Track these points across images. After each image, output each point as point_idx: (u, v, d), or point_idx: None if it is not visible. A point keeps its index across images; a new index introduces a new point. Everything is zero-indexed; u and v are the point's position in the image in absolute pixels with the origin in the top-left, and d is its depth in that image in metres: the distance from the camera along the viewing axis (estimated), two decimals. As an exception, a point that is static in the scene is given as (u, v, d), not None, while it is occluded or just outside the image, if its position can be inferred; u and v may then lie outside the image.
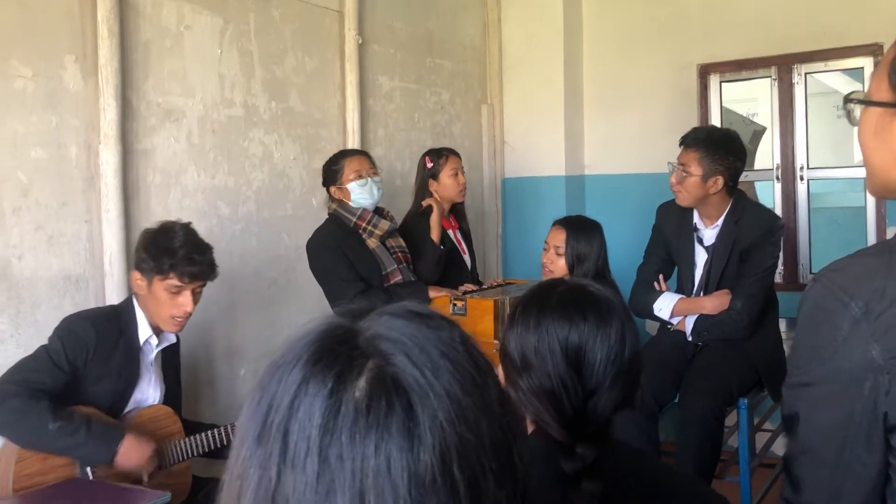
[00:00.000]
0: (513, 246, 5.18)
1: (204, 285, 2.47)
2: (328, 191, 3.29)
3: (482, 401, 0.70)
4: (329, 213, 3.29)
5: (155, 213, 3.06)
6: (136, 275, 2.40)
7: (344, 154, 3.28)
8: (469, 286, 3.45)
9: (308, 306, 3.78)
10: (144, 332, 2.44)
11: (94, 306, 2.85)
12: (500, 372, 1.38)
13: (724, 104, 4.89)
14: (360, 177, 3.18)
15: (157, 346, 2.49)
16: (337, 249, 3.12)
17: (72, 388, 2.27)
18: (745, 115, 6.17)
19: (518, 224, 5.16)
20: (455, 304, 3.23)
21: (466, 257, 3.66)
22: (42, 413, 2.11)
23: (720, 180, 2.74)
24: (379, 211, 3.27)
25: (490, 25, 5.08)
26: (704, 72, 4.78)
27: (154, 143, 3.07)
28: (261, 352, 3.59)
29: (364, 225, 3.17)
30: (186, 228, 2.45)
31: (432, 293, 3.25)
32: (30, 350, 2.64)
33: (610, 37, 5.03)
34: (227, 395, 3.44)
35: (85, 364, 2.29)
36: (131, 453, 2.24)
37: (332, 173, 3.24)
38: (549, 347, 1.26)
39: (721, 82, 4.83)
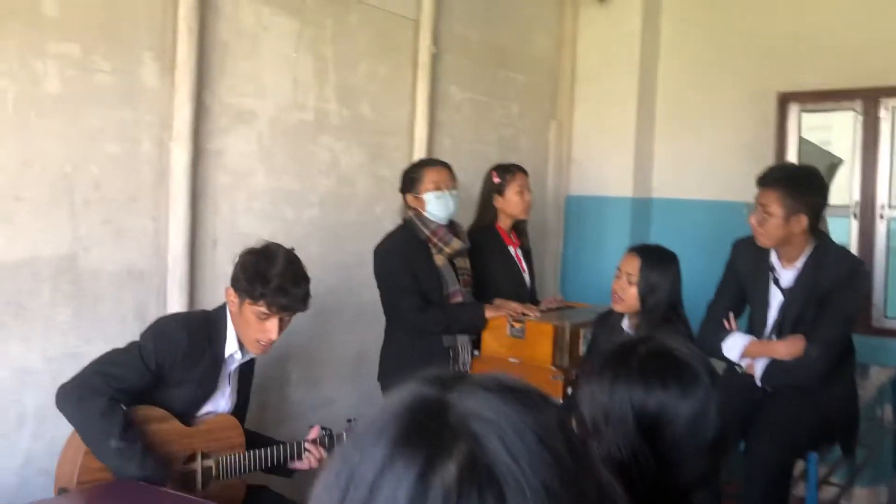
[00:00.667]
0: (572, 265, 5.08)
1: (293, 314, 2.44)
2: (404, 198, 3.22)
3: (580, 495, 0.64)
4: (403, 221, 3.23)
5: (221, 212, 3.06)
6: (231, 291, 2.37)
7: (425, 163, 3.23)
8: (528, 306, 3.37)
9: (365, 313, 3.74)
10: (231, 345, 2.42)
11: (156, 302, 2.87)
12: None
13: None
14: (438, 188, 3.11)
15: (240, 360, 2.48)
16: (404, 260, 3.07)
17: (153, 388, 2.27)
18: (817, 143, 5.96)
19: (579, 243, 5.06)
20: (513, 326, 3.15)
21: (526, 276, 3.59)
22: (113, 427, 2.11)
23: (803, 219, 2.62)
24: (453, 227, 3.20)
25: (565, 40, 5.00)
26: (784, 100, 4.63)
27: (225, 144, 3.07)
28: (312, 357, 3.57)
29: (436, 241, 3.11)
30: (288, 256, 2.38)
31: (489, 313, 3.18)
32: (90, 343, 2.68)
33: (688, 57, 4.90)
34: (278, 399, 3.42)
35: (172, 367, 2.28)
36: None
37: (410, 181, 3.18)
38: (622, 413, 1.17)
39: (801, 112, 4.67)
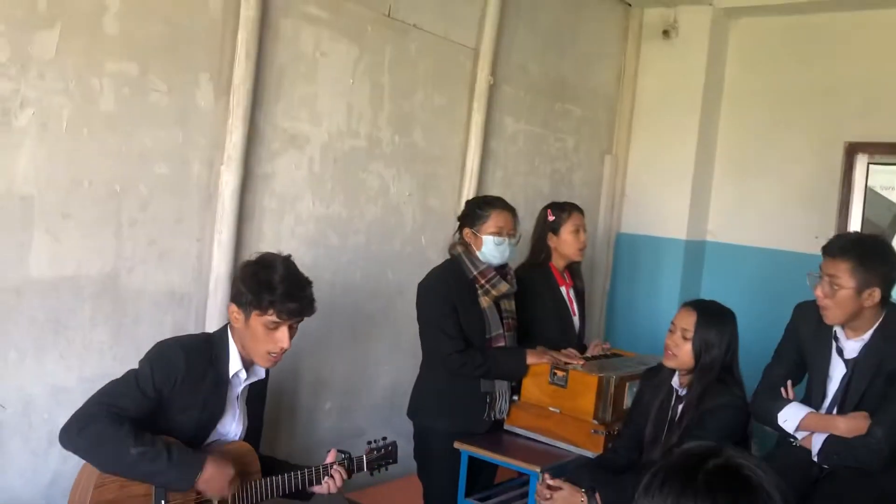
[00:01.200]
0: (620, 305, 4.95)
1: (301, 321, 2.38)
2: (461, 230, 3.11)
3: None
4: (451, 255, 3.12)
5: (266, 237, 3.02)
6: (234, 308, 2.31)
7: (494, 204, 3.07)
8: (572, 352, 3.25)
9: (402, 345, 3.68)
10: (235, 365, 2.36)
11: (195, 325, 2.84)
12: None
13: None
14: (500, 234, 3.01)
15: (246, 380, 2.42)
16: (448, 300, 2.96)
17: (155, 416, 2.21)
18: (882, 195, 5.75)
19: (628, 283, 4.93)
20: (555, 374, 3.04)
21: (576, 319, 3.47)
22: (124, 437, 2.06)
23: (876, 292, 2.46)
24: (502, 269, 3.10)
25: (626, 74, 4.89)
26: (852, 150, 4.45)
27: (275, 168, 3.03)
28: (347, 386, 3.51)
29: (483, 282, 3.01)
30: (286, 262, 2.33)
31: (531, 359, 3.07)
32: (126, 364, 2.64)
33: (753, 100, 4.75)
34: (308, 426, 3.36)
35: (171, 392, 2.22)
36: (213, 480, 2.16)
37: (475, 216, 3.05)
38: None
39: (869, 163, 4.48)
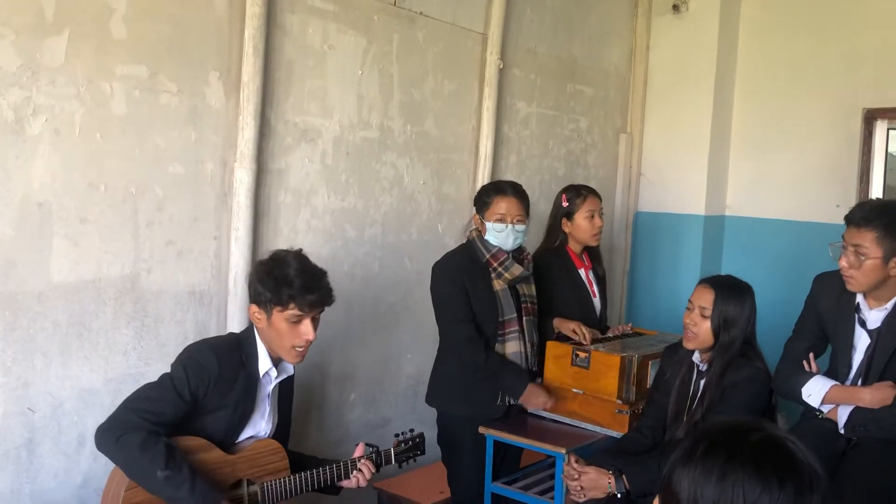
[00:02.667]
0: (640, 285, 4.92)
1: (322, 311, 2.40)
2: (474, 216, 3.12)
3: None
4: (467, 239, 3.13)
5: (283, 233, 3.03)
6: (254, 308, 2.34)
7: (498, 189, 3.04)
8: (595, 333, 3.24)
9: (424, 333, 3.69)
10: (265, 364, 2.39)
11: (217, 322, 2.86)
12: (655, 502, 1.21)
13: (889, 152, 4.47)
14: (502, 220, 2.99)
15: (276, 378, 2.44)
16: (460, 284, 2.96)
17: (189, 417, 2.25)
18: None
19: (648, 262, 4.90)
20: (577, 356, 3.04)
21: (596, 301, 3.45)
22: (156, 457, 2.09)
23: None
24: (517, 253, 3.09)
25: (637, 52, 4.85)
26: (871, 117, 4.38)
27: (288, 163, 3.04)
28: (370, 377, 3.53)
29: (495, 265, 3.01)
30: (299, 256, 2.36)
31: (551, 350, 3.09)
32: (151, 364, 2.68)
33: (767, 72, 4.69)
34: (335, 419, 3.39)
35: (206, 394, 2.26)
36: None
37: (480, 203, 3.06)
38: None
39: (889, 129, 4.41)
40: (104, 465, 2.59)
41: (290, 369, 2.49)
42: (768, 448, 1.13)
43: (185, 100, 2.71)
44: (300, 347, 2.34)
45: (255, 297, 2.33)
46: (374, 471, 2.52)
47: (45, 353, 2.45)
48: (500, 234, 2.99)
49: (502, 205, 2.99)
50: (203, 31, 2.74)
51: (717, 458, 1.12)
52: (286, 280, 2.28)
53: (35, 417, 2.45)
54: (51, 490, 2.50)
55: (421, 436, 2.71)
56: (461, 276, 2.97)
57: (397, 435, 2.68)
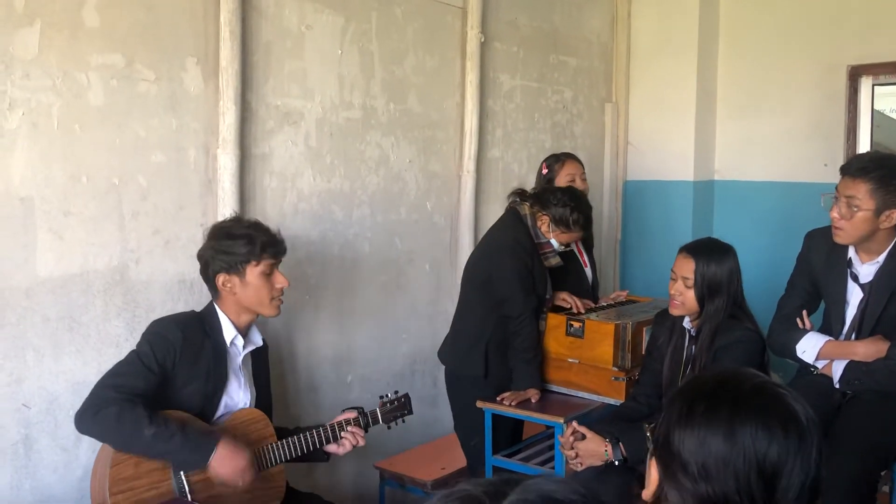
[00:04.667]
0: (632, 254, 4.92)
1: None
2: (533, 203, 3.13)
3: None
4: (518, 212, 3.16)
5: (270, 217, 3.01)
6: (223, 277, 2.39)
7: (584, 226, 3.14)
8: (588, 303, 3.25)
9: (418, 311, 3.69)
10: (229, 333, 2.43)
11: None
12: (650, 464, 1.21)
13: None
14: (564, 245, 3.16)
15: (244, 348, 2.47)
16: (529, 255, 3.06)
17: (163, 392, 2.27)
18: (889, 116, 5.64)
19: (639, 230, 4.90)
20: (572, 325, 3.04)
21: (587, 269, 3.46)
22: (138, 419, 2.12)
23: (895, 214, 2.42)
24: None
25: (619, 20, 4.81)
26: (855, 73, 4.36)
27: (271, 147, 3.02)
28: (367, 358, 3.53)
29: (542, 251, 3.12)
30: (239, 218, 2.57)
31: (550, 320, 3.11)
32: (144, 354, 2.67)
33: (749, 33, 4.67)
34: (333, 401, 3.38)
35: (174, 365, 2.29)
36: (225, 460, 2.21)
37: (562, 221, 3.07)
38: (746, 462, 1.09)
39: (874, 85, 4.40)
40: (103, 458, 2.60)
41: (258, 340, 2.55)
42: (764, 398, 1.14)
43: (164, 87, 2.68)
44: (277, 297, 2.44)
45: (220, 267, 2.39)
46: (362, 434, 2.55)
47: (37, 349, 2.44)
48: (554, 251, 3.13)
49: (575, 237, 3.14)
50: (177, 16, 2.70)
51: (720, 413, 1.12)
52: (251, 235, 2.39)
53: (30, 413, 2.44)
54: (51, 485, 2.50)
55: (406, 396, 2.75)
56: (533, 251, 3.08)
57: (382, 396, 2.71)
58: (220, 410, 2.40)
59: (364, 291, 3.47)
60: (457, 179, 3.81)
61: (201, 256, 2.45)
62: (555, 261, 3.12)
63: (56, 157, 2.43)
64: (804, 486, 1.10)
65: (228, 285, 2.39)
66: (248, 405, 2.47)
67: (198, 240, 2.80)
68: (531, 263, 3.05)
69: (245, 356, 2.50)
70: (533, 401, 3.01)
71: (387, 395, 2.73)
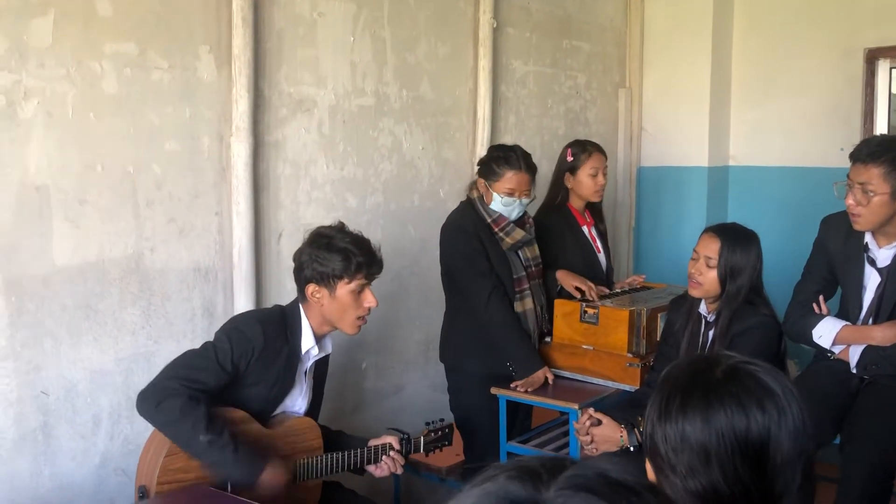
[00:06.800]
0: (646, 240, 4.90)
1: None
2: (478, 178, 3.09)
3: None
4: (468, 198, 3.11)
5: (284, 205, 3.02)
6: (313, 287, 2.33)
7: (510, 164, 2.99)
8: (602, 289, 3.24)
9: (431, 299, 3.68)
10: (308, 341, 2.39)
11: (223, 297, 2.86)
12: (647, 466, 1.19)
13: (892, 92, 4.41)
14: (511, 195, 2.97)
15: (316, 356, 2.45)
16: (476, 237, 2.96)
17: (229, 387, 2.26)
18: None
19: (653, 217, 4.87)
20: (586, 312, 3.04)
21: (601, 256, 3.44)
22: (197, 422, 2.10)
23: None
24: (519, 218, 3.08)
25: (632, 4, 4.77)
26: (872, 57, 4.31)
27: (285, 135, 3.02)
28: (381, 345, 3.53)
29: (497, 230, 3.00)
30: (343, 229, 2.40)
31: (559, 308, 3.08)
32: (160, 342, 2.69)
33: (764, 16, 4.62)
34: (349, 387, 3.40)
35: (248, 366, 2.26)
36: (269, 483, 2.21)
37: (490, 171, 3.01)
38: (727, 447, 1.06)
39: (891, 68, 4.35)
40: (121, 445, 2.63)
41: (328, 348, 2.51)
42: (736, 378, 1.11)
43: (177, 75, 2.68)
44: (362, 317, 2.39)
45: (311, 276, 2.32)
46: (402, 462, 2.53)
47: (55, 336, 2.46)
48: (508, 207, 3.00)
49: (514, 180, 2.98)
50: (190, 4, 2.70)
51: (695, 404, 1.10)
52: (349, 251, 2.31)
53: (49, 401, 2.47)
54: (70, 472, 2.53)
55: (451, 426, 2.72)
56: (475, 231, 2.97)
57: (428, 424, 2.68)
58: (276, 412, 2.40)
59: (377, 278, 3.47)
60: (470, 166, 3.79)
61: (296, 259, 2.39)
62: (519, 234, 3.00)
63: (71, 146, 2.44)
64: (797, 454, 1.06)
65: (318, 296, 2.34)
66: (303, 410, 2.45)
67: (213, 228, 2.82)
68: (479, 245, 2.95)
69: (312, 363, 2.48)
70: (549, 381, 2.97)
71: (432, 423, 2.68)
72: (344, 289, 2.31)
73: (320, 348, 2.45)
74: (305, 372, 2.44)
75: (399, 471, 2.52)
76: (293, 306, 2.42)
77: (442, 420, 2.72)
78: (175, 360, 2.24)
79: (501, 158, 3.03)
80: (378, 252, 2.39)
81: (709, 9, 4.59)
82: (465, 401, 3.09)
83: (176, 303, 2.73)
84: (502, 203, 2.99)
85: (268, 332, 2.29)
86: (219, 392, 2.22)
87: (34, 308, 2.41)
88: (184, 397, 2.12)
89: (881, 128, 4.36)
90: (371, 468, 2.50)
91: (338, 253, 2.30)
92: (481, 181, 3.05)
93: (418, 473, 3.30)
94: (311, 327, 2.38)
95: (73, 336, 2.50)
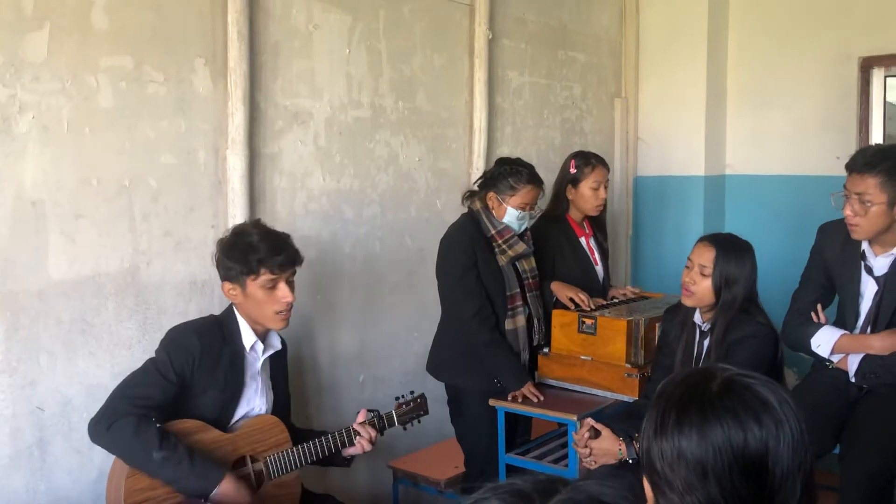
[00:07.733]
0: (644, 251, 4.90)
1: (294, 273, 2.44)
2: (483, 189, 3.07)
3: None
4: (469, 210, 3.10)
5: (280, 217, 3.01)
6: (227, 286, 2.38)
7: (528, 179, 3.01)
8: (598, 301, 3.24)
9: (429, 310, 3.67)
10: (248, 338, 2.41)
11: (220, 311, 2.84)
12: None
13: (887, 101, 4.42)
14: (524, 209, 3.01)
15: (264, 352, 2.46)
16: (471, 255, 2.96)
17: (180, 400, 2.27)
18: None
19: (650, 226, 4.87)
20: (584, 322, 3.03)
21: (599, 268, 3.44)
22: (149, 439, 2.11)
23: None
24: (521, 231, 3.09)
25: (627, 14, 4.79)
26: (867, 65, 4.33)
27: (281, 147, 3.02)
28: (379, 357, 3.52)
29: (500, 241, 3.01)
30: (258, 224, 2.46)
31: (557, 318, 3.08)
32: (156, 356, 2.67)
33: (759, 25, 4.63)
34: (347, 401, 3.38)
35: (192, 374, 2.27)
36: (228, 496, 2.20)
37: (505, 186, 3.00)
38: (724, 461, 1.04)
39: (886, 77, 4.36)
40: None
41: (277, 344, 2.53)
42: (732, 391, 1.10)
43: (172, 88, 2.68)
44: (282, 312, 2.38)
45: (225, 275, 2.37)
46: (375, 435, 2.54)
47: (50, 351, 2.45)
48: (519, 221, 3.02)
49: (530, 195, 3.01)
50: (185, 17, 2.70)
51: (690, 421, 1.09)
52: (252, 247, 2.33)
53: (44, 416, 2.45)
54: (66, 487, 2.51)
55: (422, 396, 2.74)
56: (473, 249, 2.97)
57: (398, 398, 2.70)
58: (236, 417, 2.39)
59: (375, 290, 3.47)
60: (466, 177, 3.79)
61: (214, 259, 2.44)
62: (521, 247, 3.01)
63: (66, 160, 2.44)
64: (797, 466, 1.05)
65: (233, 293, 2.38)
66: (264, 410, 2.46)
67: (209, 241, 2.81)
68: (471, 262, 2.96)
69: (264, 361, 2.48)
70: (530, 395, 2.95)
71: (402, 396, 2.72)
72: (252, 285, 2.34)
73: (266, 345, 2.47)
74: (258, 371, 2.45)
75: (367, 446, 2.50)
76: (228, 309, 2.46)
77: (412, 392, 2.74)
78: (120, 383, 2.25)
79: (518, 173, 3.03)
80: (289, 247, 2.38)
81: (704, 18, 4.61)
82: (465, 412, 3.08)
83: (172, 316, 2.72)
84: (517, 217, 3.01)
85: (203, 337, 2.32)
86: (171, 405, 2.23)
87: (29, 323, 2.40)
88: (134, 416, 2.13)
89: (877, 136, 4.37)
90: (349, 449, 2.51)
91: (239, 251, 2.34)
92: (492, 195, 3.04)
93: (417, 486, 3.29)
94: (249, 325, 2.41)
95: (68, 351, 2.48)
